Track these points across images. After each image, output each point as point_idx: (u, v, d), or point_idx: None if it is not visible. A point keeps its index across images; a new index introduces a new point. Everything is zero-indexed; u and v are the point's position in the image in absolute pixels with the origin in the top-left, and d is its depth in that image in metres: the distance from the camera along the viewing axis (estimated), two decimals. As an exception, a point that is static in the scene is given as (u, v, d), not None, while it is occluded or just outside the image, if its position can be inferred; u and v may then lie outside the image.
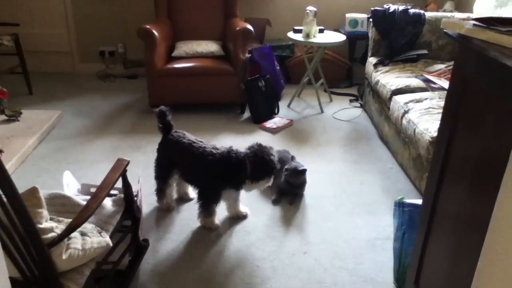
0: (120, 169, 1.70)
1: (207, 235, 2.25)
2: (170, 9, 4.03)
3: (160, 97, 3.58)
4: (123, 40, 4.62)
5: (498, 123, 1.06)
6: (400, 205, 1.96)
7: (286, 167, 2.52)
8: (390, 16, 3.60)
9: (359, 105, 4.02)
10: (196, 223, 2.31)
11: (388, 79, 3.20)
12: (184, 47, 3.82)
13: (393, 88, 3.04)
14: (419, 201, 1.70)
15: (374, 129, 3.51)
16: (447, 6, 4.11)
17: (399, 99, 2.86)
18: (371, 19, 3.69)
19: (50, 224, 1.38)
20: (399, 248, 1.91)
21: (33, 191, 1.35)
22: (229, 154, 2.17)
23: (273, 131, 3.45)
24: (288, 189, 2.54)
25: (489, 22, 1.15)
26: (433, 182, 1.40)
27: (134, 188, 1.87)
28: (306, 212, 2.46)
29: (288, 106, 3.96)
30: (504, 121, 1.03)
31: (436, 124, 2.22)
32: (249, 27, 3.62)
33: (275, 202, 2.53)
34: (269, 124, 3.53)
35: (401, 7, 3.64)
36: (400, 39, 3.54)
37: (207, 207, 2.23)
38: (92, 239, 1.50)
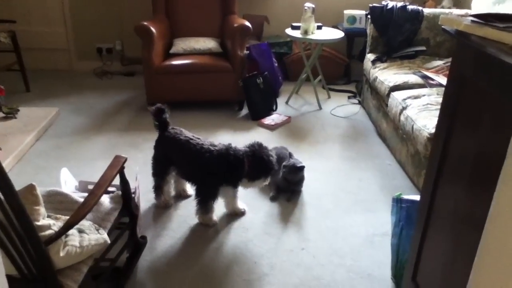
0: (117, 166, 1.70)
1: (205, 232, 2.26)
2: (168, 6, 4.01)
3: (157, 95, 3.56)
4: (120, 37, 4.60)
5: (496, 120, 1.06)
6: (398, 201, 1.95)
7: (284, 164, 2.52)
8: (388, 13, 3.59)
9: (357, 101, 4.02)
10: (194, 220, 2.31)
11: (386, 75, 3.20)
12: (182, 44, 3.80)
13: (391, 84, 3.04)
14: (417, 197, 1.70)
15: (372, 126, 3.51)
16: (445, 3, 4.10)
17: (397, 95, 2.86)
18: (369, 16, 3.69)
19: (47, 222, 1.38)
20: (396, 244, 1.91)
21: (31, 189, 1.35)
22: (227, 151, 2.17)
23: (271, 128, 3.45)
24: (286, 186, 2.54)
25: (487, 19, 1.14)
26: (431, 179, 1.41)
27: (132, 185, 1.87)
28: (304, 209, 2.46)
29: (286, 103, 3.96)
30: (501, 118, 1.03)
31: (434, 121, 2.21)
32: (247, 24, 3.62)
33: (273, 199, 2.53)
34: (267, 121, 3.52)
35: (399, 4, 3.64)
36: (398, 36, 3.54)
37: (205, 204, 2.24)
38: (89, 236, 1.50)
